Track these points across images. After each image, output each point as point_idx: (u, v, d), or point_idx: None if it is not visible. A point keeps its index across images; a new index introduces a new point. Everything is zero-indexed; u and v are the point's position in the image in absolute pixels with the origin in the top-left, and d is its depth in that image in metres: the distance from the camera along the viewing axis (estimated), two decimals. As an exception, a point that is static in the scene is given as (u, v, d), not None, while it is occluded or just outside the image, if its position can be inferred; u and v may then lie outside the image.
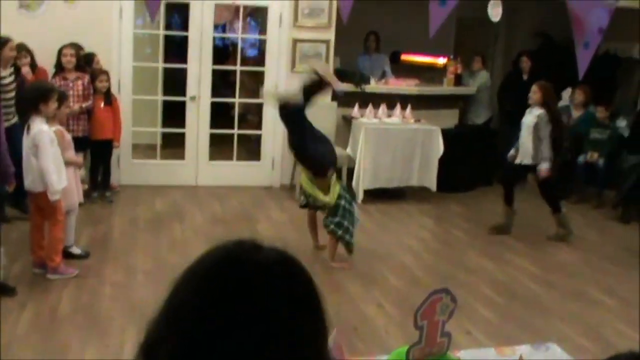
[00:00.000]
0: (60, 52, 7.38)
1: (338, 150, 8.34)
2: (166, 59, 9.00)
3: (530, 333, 5.09)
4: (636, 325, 5.39)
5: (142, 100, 8.89)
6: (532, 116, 7.35)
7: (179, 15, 11.91)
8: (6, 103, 6.41)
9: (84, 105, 7.41)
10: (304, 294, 1.09)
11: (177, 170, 8.91)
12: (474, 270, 6.51)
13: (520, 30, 11.89)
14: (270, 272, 1.07)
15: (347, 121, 9.09)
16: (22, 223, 6.43)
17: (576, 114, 9.61)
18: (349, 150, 8.65)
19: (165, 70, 9.07)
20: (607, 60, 10.43)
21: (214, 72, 8.95)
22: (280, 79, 8.96)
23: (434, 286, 2.60)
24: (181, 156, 8.98)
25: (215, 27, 9.34)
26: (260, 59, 9.94)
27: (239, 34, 9.51)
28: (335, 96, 8.48)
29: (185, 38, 8.85)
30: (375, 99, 9.12)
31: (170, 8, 10.97)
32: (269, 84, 8.74)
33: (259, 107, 9.29)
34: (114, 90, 7.97)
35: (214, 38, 9.14)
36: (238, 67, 9.10)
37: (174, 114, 9.20)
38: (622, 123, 9.73)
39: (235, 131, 9.12)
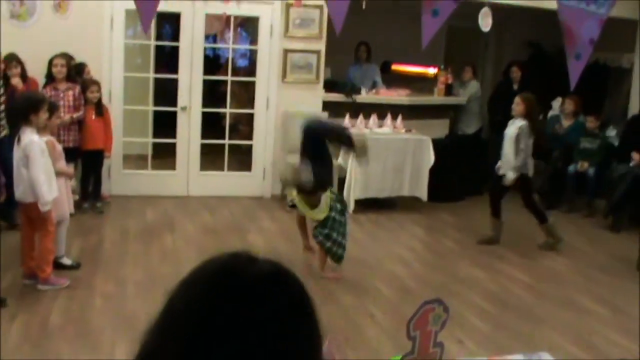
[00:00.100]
0: (50, 63, 7.38)
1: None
2: (157, 70, 9.00)
3: (522, 342, 5.09)
4: (628, 333, 5.41)
5: (133, 111, 8.89)
6: (514, 127, 7.39)
7: (169, 26, 11.92)
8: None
9: (74, 115, 7.39)
10: (298, 304, 1.10)
11: (168, 180, 8.90)
12: (465, 280, 6.51)
13: (511, 40, 11.95)
14: (265, 284, 1.07)
15: (338, 131, 9.08)
16: (12, 234, 6.41)
17: (566, 123, 9.65)
18: (340, 160, 8.64)
19: (156, 80, 9.07)
20: (596, 69, 10.48)
21: (205, 82, 8.95)
22: (271, 89, 8.97)
23: (426, 296, 2.60)
24: (172, 166, 8.97)
25: (206, 37, 9.34)
26: (251, 69, 9.95)
27: (230, 44, 9.52)
28: (326, 106, 8.50)
29: (176, 48, 8.86)
30: (366, 109, 9.14)
31: (161, 18, 10.97)
32: (283, 172, 7.89)
33: (250, 117, 9.29)
34: (104, 100, 7.96)
35: (205, 48, 9.15)
36: (229, 78, 9.11)
37: (165, 124, 9.19)
38: (612, 132, 9.78)
39: (226, 141, 9.11)
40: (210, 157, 9.19)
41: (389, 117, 9.05)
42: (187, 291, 1.09)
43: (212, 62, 12.10)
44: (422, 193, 8.81)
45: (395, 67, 11.61)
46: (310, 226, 6.48)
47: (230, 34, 9.32)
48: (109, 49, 8.39)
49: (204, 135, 8.97)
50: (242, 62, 11.84)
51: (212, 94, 10.02)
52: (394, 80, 10.71)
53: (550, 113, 10.17)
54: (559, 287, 6.52)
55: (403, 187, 8.77)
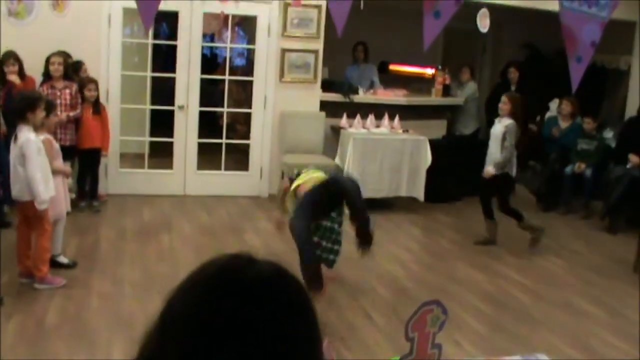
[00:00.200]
0: (48, 61, 7.36)
1: (327, 161, 8.36)
2: (154, 68, 8.98)
3: (519, 344, 5.09)
4: (624, 335, 5.41)
5: (130, 109, 8.87)
6: (500, 126, 7.41)
7: (167, 25, 11.91)
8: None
9: (71, 114, 7.38)
10: (298, 305, 1.10)
11: (165, 179, 8.88)
12: (462, 281, 6.51)
13: (508, 41, 11.97)
14: (265, 286, 1.07)
15: (335, 131, 9.09)
16: (8, 232, 6.39)
17: (564, 125, 9.66)
18: (337, 160, 8.65)
19: (154, 79, 9.06)
20: (594, 71, 10.47)
21: (203, 81, 8.94)
22: (268, 88, 8.96)
23: (422, 297, 2.60)
24: (169, 166, 8.95)
25: (204, 36, 9.34)
26: (248, 69, 9.94)
27: (228, 44, 9.51)
28: (324, 106, 8.48)
29: (174, 47, 8.84)
30: (364, 109, 9.13)
31: (159, 17, 10.90)
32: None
33: (247, 116, 9.28)
34: (101, 98, 7.94)
35: (203, 47, 9.14)
36: (227, 77, 9.10)
37: (162, 123, 9.18)
38: (609, 134, 9.79)
39: (224, 141, 9.10)
40: (208, 157, 9.17)
41: (386, 117, 9.05)
42: (187, 293, 1.08)
43: (210, 61, 12.10)
44: (419, 193, 8.81)
45: (393, 67, 11.62)
46: None
47: (228, 33, 9.31)
48: (107, 48, 8.37)
49: (201, 134, 8.96)
50: (240, 62, 11.84)
51: (210, 93, 10.00)
52: (391, 80, 10.71)
53: (548, 114, 10.17)
54: (556, 288, 6.52)
55: (400, 188, 8.76)
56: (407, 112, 9.40)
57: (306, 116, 9.06)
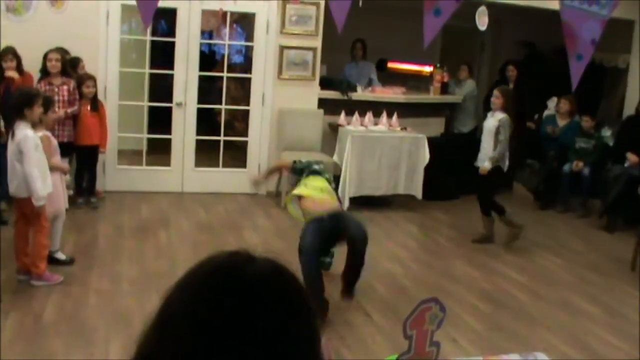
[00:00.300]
0: (45, 57, 7.34)
1: (325, 158, 8.36)
2: (152, 65, 8.96)
3: (517, 342, 5.09)
4: (622, 334, 5.42)
5: (128, 106, 8.85)
6: (493, 120, 7.41)
7: (165, 22, 11.88)
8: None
9: (69, 110, 7.36)
10: (298, 304, 1.10)
11: (163, 176, 8.87)
12: (460, 279, 6.51)
13: (506, 39, 11.96)
14: (265, 284, 1.07)
15: (333, 129, 9.08)
16: (6, 229, 6.39)
17: (562, 123, 9.66)
18: (335, 158, 8.65)
19: (152, 76, 9.04)
20: (592, 69, 10.45)
21: (201, 78, 8.92)
22: (266, 86, 8.96)
23: (420, 295, 2.59)
24: (167, 163, 8.94)
25: (202, 33, 9.31)
26: (246, 66, 9.93)
27: (226, 41, 9.50)
28: (322, 104, 8.47)
29: (172, 44, 8.82)
30: (362, 107, 9.13)
31: (157, 14, 10.88)
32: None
33: (246, 113, 9.26)
34: (99, 95, 7.93)
35: (201, 44, 9.13)
36: (225, 74, 9.09)
37: (160, 120, 9.16)
38: (607, 132, 9.79)
39: (222, 138, 9.09)
40: (206, 154, 9.17)
41: (384, 115, 9.04)
42: (185, 290, 1.08)
43: (208, 59, 12.08)
44: (417, 191, 8.81)
45: (391, 65, 11.62)
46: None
47: (226, 30, 9.30)
48: (105, 44, 8.36)
49: (199, 131, 8.96)
50: (238, 59, 11.84)
51: (208, 90, 9.99)
52: (389, 78, 10.71)
53: (546, 113, 10.17)
54: (554, 287, 6.53)
55: (398, 185, 8.76)
56: (405, 110, 9.40)
57: (304, 113, 9.05)
